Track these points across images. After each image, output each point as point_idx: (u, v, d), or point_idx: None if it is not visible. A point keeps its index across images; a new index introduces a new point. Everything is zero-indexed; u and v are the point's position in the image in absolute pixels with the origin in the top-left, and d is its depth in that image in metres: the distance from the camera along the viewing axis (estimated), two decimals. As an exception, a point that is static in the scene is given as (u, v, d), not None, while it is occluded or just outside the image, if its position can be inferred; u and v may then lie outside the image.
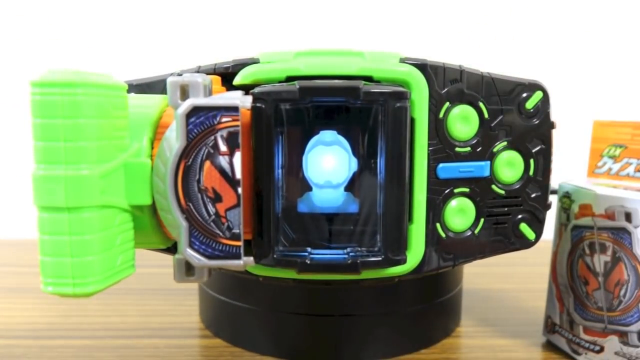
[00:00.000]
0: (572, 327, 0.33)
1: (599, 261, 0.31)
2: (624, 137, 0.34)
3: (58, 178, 0.22)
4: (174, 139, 0.24)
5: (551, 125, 0.31)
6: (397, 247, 0.27)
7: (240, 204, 0.24)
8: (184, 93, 0.24)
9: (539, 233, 0.31)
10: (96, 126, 0.22)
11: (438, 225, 0.29)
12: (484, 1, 0.66)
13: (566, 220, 0.33)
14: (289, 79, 0.27)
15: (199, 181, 0.24)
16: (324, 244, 0.28)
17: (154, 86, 0.30)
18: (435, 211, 0.29)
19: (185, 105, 0.23)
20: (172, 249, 0.28)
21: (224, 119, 0.24)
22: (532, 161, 0.30)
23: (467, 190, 0.30)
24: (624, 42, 0.67)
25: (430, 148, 0.28)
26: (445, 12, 0.66)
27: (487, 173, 0.30)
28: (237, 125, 0.24)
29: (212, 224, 0.24)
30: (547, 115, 0.30)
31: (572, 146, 0.52)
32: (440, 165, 0.29)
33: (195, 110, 0.23)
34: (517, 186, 0.31)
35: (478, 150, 0.30)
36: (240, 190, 0.24)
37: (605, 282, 0.31)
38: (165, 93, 0.24)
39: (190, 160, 0.24)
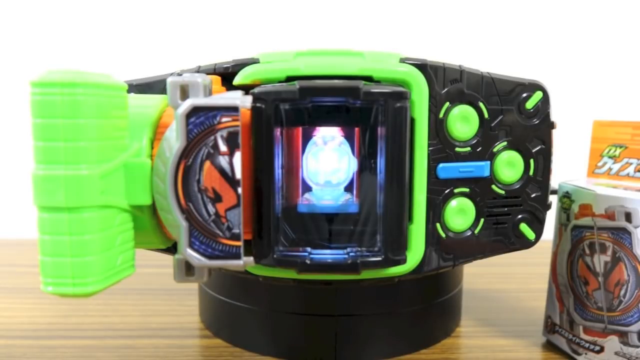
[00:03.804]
0: (572, 327, 0.33)
1: (599, 261, 0.31)
2: (624, 137, 0.34)
3: (58, 178, 0.22)
4: (174, 139, 0.24)
5: (551, 125, 0.31)
6: (397, 247, 0.27)
7: (240, 204, 0.24)
8: (184, 93, 0.24)
9: (539, 233, 0.31)
10: (96, 126, 0.22)
11: (438, 225, 0.29)
12: (484, 1, 0.66)
13: (566, 220, 0.33)
14: (289, 79, 0.27)
15: (199, 181, 0.24)
16: (324, 244, 0.28)
17: (154, 86, 0.30)
18: (435, 211, 0.29)
19: (185, 105, 0.23)
20: (172, 249, 0.28)
21: (224, 119, 0.24)
22: (532, 161, 0.30)
23: (467, 190, 0.30)
24: (624, 42, 0.67)
25: (430, 148, 0.28)
26: (445, 12, 0.66)
27: (487, 173, 0.30)
28: (237, 125, 0.24)
29: (212, 224, 0.24)
30: (547, 115, 0.30)
31: (572, 146, 0.52)
32: (440, 165, 0.29)
33: (195, 110, 0.23)
34: (517, 186, 0.31)
35: (478, 150, 0.30)
36: (240, 190, 0.24)
37: (605, 282, 0.31)
38: (165, 93, 0.24)
39: (190, 160, 0.24)
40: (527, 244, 0.31)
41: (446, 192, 0.29)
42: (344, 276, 0.28)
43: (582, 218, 0.32)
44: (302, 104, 0.26)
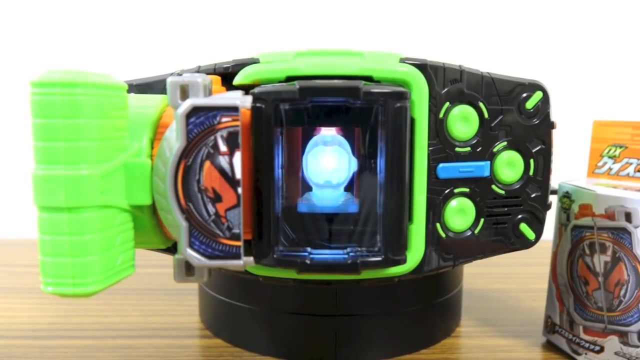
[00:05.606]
0: (572, 327, 0.33)
1: (599, 261, 0.31)
2: (624, 137, 0.34)
3: (58, 178, 0.22)
4: (174, 139, 0.24)
5: (551, 125, 0.31)
6: (397, 247, 0.27)
7: (240, 204, 0.24)
8: (184, 93, 0.24)
9: (539, 233, 0.31)
10: (96, 126, 0.22)
11: (438, 225, 0.29)
12: (484, 1, 0.66)
13: (566, 220, 0.33)
14: (289, 79, 0.27)
15: (199, 181, 0.24)
16: (324, 244, 0.28)
17: (154, 86, 0.30)
18: (435, 211, 0.29)
19: (185, 105, 0.23)
20: (172, 249, 0.28)
21: (224, 119, 0.24)
22: (532, 161, 0.30)
23: (467, 190, 0.30)
24: (624, 42, 0.67)
25: (430, 148, 0.28)
26: (445, 12, 0.66)
27: (487, 173, 0.30)
28: (237, 125, 0.24)
29: (212, 224, 0.24)
30: (547, 115, 0.30)
31: (572, 146, 0.52)
32: (440, 165, 0.29)
33: (195, 110, 0.23)
34: (517, 186, 0.31)
35: (478, 150, 0.30)
36: (240, 190, 0.24)
37: (605, 282, 0.31)
38: (165, 93, 0.24)
39: (190, 160, 0.24)
40: (527, 244, 0.31)
41: (446, 192, 0.29)
42: (344, 276, 0.28)
43: (582, 218, 0.32)
44: (302, 104, 0.26)
